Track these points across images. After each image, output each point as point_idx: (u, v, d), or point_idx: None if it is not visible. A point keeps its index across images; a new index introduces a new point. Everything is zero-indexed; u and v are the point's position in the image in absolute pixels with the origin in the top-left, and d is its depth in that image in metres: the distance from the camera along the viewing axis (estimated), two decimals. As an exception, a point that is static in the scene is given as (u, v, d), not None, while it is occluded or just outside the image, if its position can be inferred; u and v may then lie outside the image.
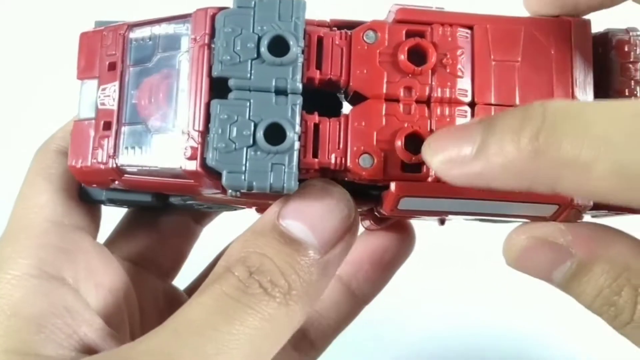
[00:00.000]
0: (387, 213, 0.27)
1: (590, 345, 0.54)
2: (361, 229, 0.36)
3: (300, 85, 0.25)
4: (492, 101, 0.26)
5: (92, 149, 0.27)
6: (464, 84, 0.26)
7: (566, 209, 0.25)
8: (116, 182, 0.28)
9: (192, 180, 0.25)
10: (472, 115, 0.26)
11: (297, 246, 0.25)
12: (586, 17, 0.27)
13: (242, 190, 0.24)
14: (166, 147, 0.25)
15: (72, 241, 0.29)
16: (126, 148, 0.26)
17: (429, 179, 0.25)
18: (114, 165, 0.27)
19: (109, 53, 0.28)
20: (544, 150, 0.20)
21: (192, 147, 0.24)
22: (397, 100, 0.25)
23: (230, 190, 0.24)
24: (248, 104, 0.24)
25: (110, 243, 0.35)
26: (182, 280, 0.38)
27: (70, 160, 0.28)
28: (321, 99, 0.26)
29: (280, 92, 0.25)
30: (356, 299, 0.36)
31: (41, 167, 0.30)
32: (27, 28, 0.60)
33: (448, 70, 0.26)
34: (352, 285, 0.36)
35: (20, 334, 0.25)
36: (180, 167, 0.25)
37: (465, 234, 0.46)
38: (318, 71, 0.25)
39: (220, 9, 0.25)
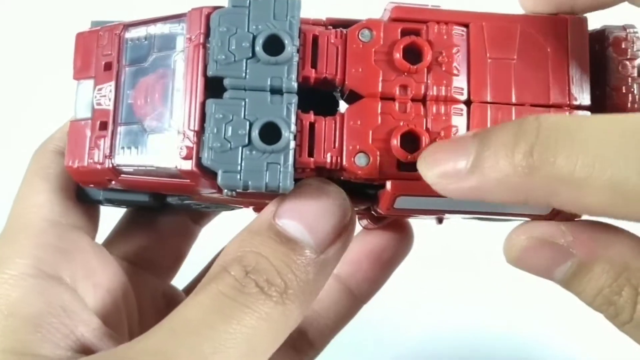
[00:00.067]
0: (383, 212, 0.27)
1: (590, 346, 0.54)
2: (359, 228, 0.36)
3: (295, 84, 0.25)
4: (488, 99, 0.26)
5: (88, 149, 0.27)
6: (460, 82, 0.26)
7: (563, 208, 0.25)
8: (113, 182, 0.28)
9: (188, 180, 0.25)
10: (468, 113, 0.26)
11: (294, 245, 0.25)
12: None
13: (237, 190, 0.24)
14: (162, 146, 0.25)
15: (70, 241, 0.29)
16: (122, 148, 0.27)
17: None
18: (110, 165, 0.27)
19: (105, 53, 0.28)
20: (538, 166, 0.21)
21: (187, 147, 0.24)
22: (393, 99, 0.25)
23: (225, 190, 0.24)
24: (243, 103, 0.24)
25: (109, 243, 0.35)
26: (181, 280, 0.38)
27: (67, 160, 0.28)
28: (318, 98, 0.26)
29: (276, 91, 0.25)
30: (354, 298, 0.36)
31: (39, 167, 0.30)
32: (26, 28, 0.60)
33: (444, 69, 0.26)
34: (351, 284, 0.36)
35: (17, 334, 0.25)
36: (176, 167, 0.25)
37: (464, 233, 0.46)
38: (313, 70, 0.25)
39: (215, 8, 0.25)
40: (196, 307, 0.24)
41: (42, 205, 0.29)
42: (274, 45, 0.25)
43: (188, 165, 0.24)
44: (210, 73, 0.25)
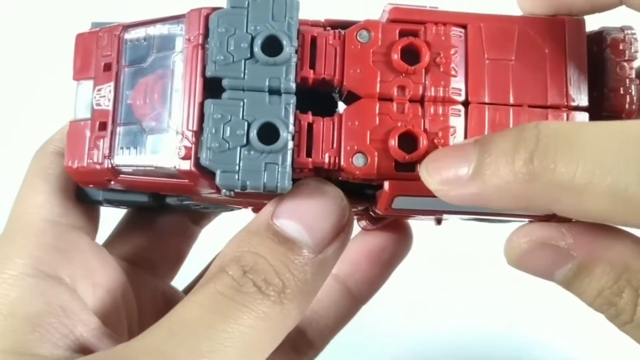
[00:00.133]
0: (381, 212, 0.27)
1: (590, 346, 0.54)
2: (358, 229, 0.36)
3: (293, 85, 0.25)
4: (486, 100, 0.26)
5: (87, 149, 0.27)
6: (458, 83, 0.26)
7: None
8: (112, 183, 0.28)
9: (187, 180, 0.26)
10: (466, 113, 0.26)
11: (292, 245, 0.25)
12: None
13: (235, 190, 0.24)
14: (161, 147, 0.26)
15: (70, 241, 0.29)
16: (121, 148, 0.27)
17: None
18: (110, 166, 0.27)
19: (105, 54, 0.28)
20: (538, 173, 0.21)
21: (185, 147, 0.24)
22: (391, 100, 0.26)
23: (224, 190, 0.24)
24: (241, 103, 0.24)
25: (109, 243, 0.35)
26: (181, 281, 0.38)
27: (67, 160, 0.28)
28: (317, 99, 0.26)
29: (274, 91, 0.25)
30: (354, 299, 0.36)
31: (39, 168, 0.30)
32: (26, 29, 0.60)
33: (441, 70, 0.26)
34: (350, 284, 0.36)
35: (16, 333, 0.25)
36: (174, 167, 0.25)
37: (464, 233, 0.46)
38: (312, 71, 0.25)
39: (214, 9, 0.25)
40: (194, 307, 0.24)
41: (41, 206, 0.29)
42: (272, 46, 0.25)
43: (186, 165, 0.25)
44: (209, 74, 0.25)
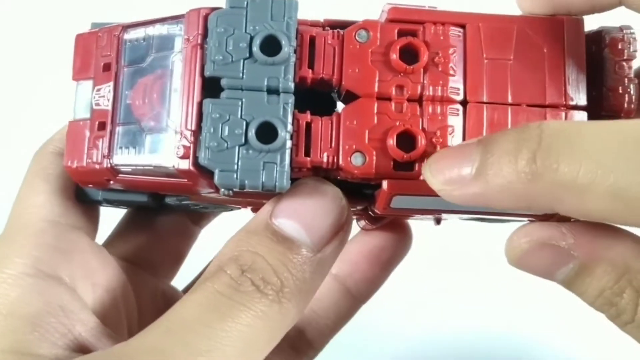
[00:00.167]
0: (380, 211, 0.27)
1: (590, 346, 0.54)
2: (357, 229, 0.36)
3: (292, 85, 0.25)
4: (485, 99, 0.26)
5: (87, 149, 0.27)
6: (456, 82, 0.26)
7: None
8: (111, 182, 0.28)
9: (185, 179, 0.26)
10: (464, 113, 0.26)
11: (290, 244, 0.25)
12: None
13: (234, 189, 0.24)
14: (159, 146, 0.26)
15: (69, 241, 0.29)
16: (120, 148, 0.27)
17: (421, 177, 0.25)
18: (109, 165, 0.27)
19: (104, 54, 0.28)
20: (541, 172, 0.21)
21: (184, 146, 0.24)
22: (389, 99, 0.26)
23: (222, 189, 0.25)
24: (240, 103, 0.24)
25: (109, 243, 0.35)
26: (181, 281, 0.38)
27: (66, 160, 0.28)
28: (316, 98, 0.27)
29: (272, 91, 0.25)
30: (353, 298, 0.36)
31: (39, 168, 0.30)
32: (26, 29, 0.60)
33: (440, 69, 0.26)
34: (349, 284, 0.36)
35: (15, 333, 0.25)
36: (173, 166, 0.25)
37: (463, 233, 0.46)
38: (310, 70, 0.25)
39: (213, 9, 0.25)
40: (192, 306, 0.24)
41: (41, 206, 0.29)
42: (271, 45, 0.25)
43: (185, 165, 0.25)
44: (207, 73, 0.25)
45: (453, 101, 0.26)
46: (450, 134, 0.25)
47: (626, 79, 0.27)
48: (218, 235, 0.35)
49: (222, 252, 0.26)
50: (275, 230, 0.25)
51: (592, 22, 0.28)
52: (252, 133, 0.24)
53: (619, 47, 0.27)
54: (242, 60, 0.25)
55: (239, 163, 0.24)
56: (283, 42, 0.25)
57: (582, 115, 0.26)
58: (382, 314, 0.50)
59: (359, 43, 0.26)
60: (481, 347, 0.55)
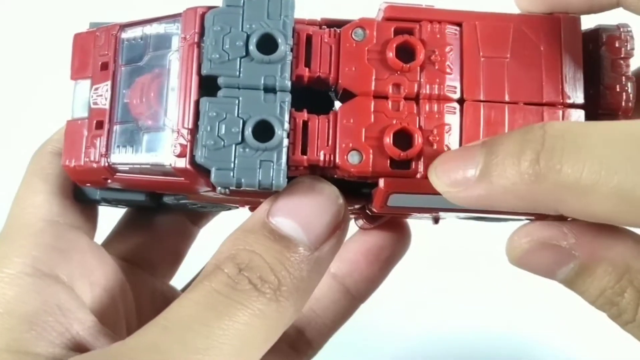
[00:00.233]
0: (377, 210, 0.27)
1: (590, 346, 0.54)
2: (356, 228, 0.36)
3: (288, 83, 0.25)
4: (481, 97, 0.26)
5: (85, 148, 0.27)
6: (453, 80, 0.26)
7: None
8: (109, 181, 0.28)
9: (182, 178, 0.26)
10: (461, 111, 0.26)
11: (287, 243, 0.25)
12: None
13: (230, 187, 0.24)
14: (156, 145, 0.26)
15: (68, 240, 0.29)
16: (118, 147, 0.27)
17: (418, 175, 0.25)
18: (106, 164, 0.27)
19: (102, 53, 0.28)
20: (544, 173, 0.21)
21: (181, 145, 0.25)
22: (386, 97, 0.26)
23: (219, 188, 0.25)
24: (237, 101, 0.25)
25: (107, 243, 0.35)
26: (180, 281, 0.38)
27: (64, 159, 0.28)
28: (313, 97, 0.27)
29: (269, 89, 0.25)
30: (352, 298, 0.36)
31: (38, 168, 0.30)
32: (26, 29, 0.61)
33: (436, 67, 0.26)
34: (348, 283, 0.36)
35: (12, 332, 0.25)
36: (170, 165, 0.25)
37: (463, 232, 0.46)
38: (307, 69, 0.26)
39: (210, 8, 0.25)
40: (189, 304, 0.24)
41: (40, 206, 0.29)
42: (267, 44, 0.25)
43: (182, 163, 0.25)
44: (204, 72, 0.25)
45: (450, 99, 0.26)
46: (447, 132, 0.25)
47: (623, 77, 0.26)
48: (217, 235, 0.35)
49: (219, 251, 0.26)
50: (273, 228, 0.25)
51: (590, 23, 0.28)
52: (248, 131, 0.24)
53: (616, 45, 0.27)
54: (238, 59, 0.25)
55: (236, 161, 0.24)
56: (280, 41, 0.25)
57: (580, 114, 0.26)
58: (382, 313, 0.50)
59: (355, 41, 0.26)
60: (481, 347, 0.55)
